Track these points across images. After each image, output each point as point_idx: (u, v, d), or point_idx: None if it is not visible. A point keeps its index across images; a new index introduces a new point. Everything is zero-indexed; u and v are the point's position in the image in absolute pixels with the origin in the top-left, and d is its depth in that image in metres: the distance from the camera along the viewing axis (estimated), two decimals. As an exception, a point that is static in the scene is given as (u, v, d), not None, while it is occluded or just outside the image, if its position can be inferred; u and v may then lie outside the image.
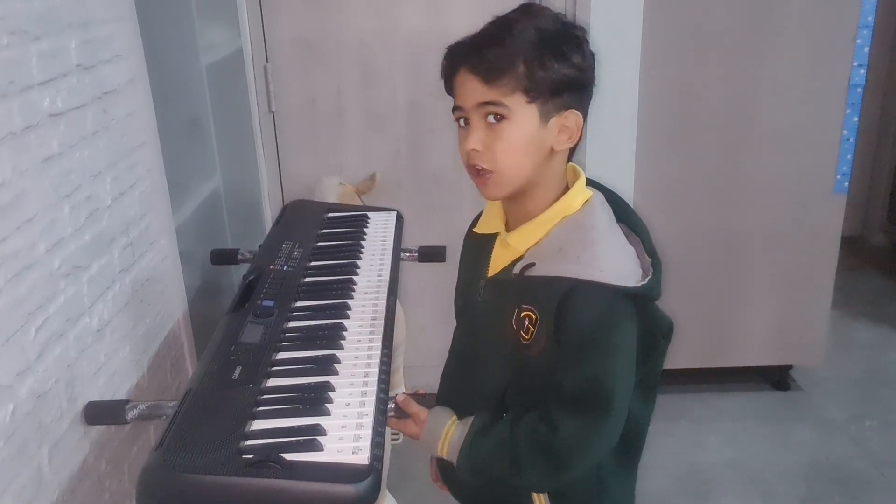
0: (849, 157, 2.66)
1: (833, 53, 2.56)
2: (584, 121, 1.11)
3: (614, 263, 1.06)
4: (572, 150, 1.15)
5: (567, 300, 1.06)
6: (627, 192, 2.70)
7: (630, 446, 1.22)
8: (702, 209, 2.75)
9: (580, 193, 1.13)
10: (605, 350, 1.07)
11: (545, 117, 1.06)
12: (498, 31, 1.05)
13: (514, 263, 1.15)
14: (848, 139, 2.64)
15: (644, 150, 2.67)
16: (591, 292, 1.04)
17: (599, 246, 1.07)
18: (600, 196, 1.16)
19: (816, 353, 2.94)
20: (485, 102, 1.05)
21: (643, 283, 1.06)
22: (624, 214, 1.17)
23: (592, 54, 1.09)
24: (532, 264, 1.09)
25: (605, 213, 1.12)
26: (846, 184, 2.70)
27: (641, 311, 1.09)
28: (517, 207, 1.15)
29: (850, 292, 3.52)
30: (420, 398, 1.26)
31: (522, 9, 1.08)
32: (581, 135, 1.11)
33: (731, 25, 2.54)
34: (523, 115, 1.05)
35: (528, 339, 1.10)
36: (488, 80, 1.04)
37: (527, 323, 1.10)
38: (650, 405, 1.24)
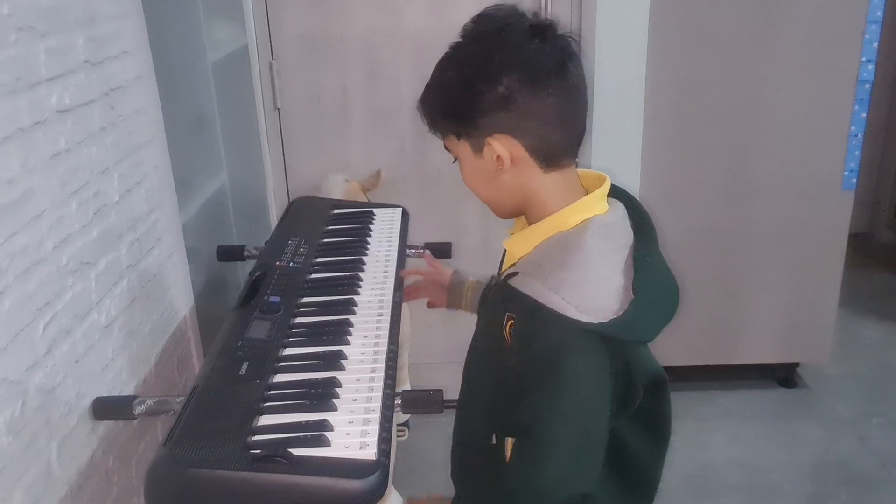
0: (857, 153, 2.65)
1: (841, 49, 2.55)
2: (542, 136, 1.03)
3: (582, 293, 0.97)
4: (557, 156, 1.05)
5: (528, 320, 1.01)
6: (633, 189, 2.70)
7: (633, 486, 1.15)
8: (708, 206, 2.74)
9: (582, 210, 1.05)
10: (550, 383, 0.98)
11: (477, 149, 1.05)
12: (428, 82, 1.07)
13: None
14: (856, 135, 2.63)
15: (650, 147, 2.66)
16: (550, 318, 0.97)
17: (574, 271, 0.99)
18: (615, 214, 1.07)
19: (823, 351, 2.93)
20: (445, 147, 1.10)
21: (603, 321, 0.96)
22: (643, 233, 1.08)
23: (513, 71, 1.00)
24: (516, 273, 1.05)
25: (601, 237, 1.02)
26: (854, 180, 2.69)
27: (617, 352, 1.00)
28: (527, 216, 1.13)
29: (858, 289, 3.50)
30: None
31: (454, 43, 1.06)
32: (538, 154, 1.03)
33: (738, 21, 2.53)
34: (463, 152, 1.06)
35: (509, 348, 1.06)
36: (433, 131, 1.08)
37: (509, 329, 1.06)
38: (659, 445, 1.15)
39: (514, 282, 1.03)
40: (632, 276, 0.99)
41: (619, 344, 0.99)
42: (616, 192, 1.12)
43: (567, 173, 1.07)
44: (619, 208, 1.09)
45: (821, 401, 2.94)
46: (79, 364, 1.25)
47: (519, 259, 1.08)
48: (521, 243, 1.09)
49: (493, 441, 1.08)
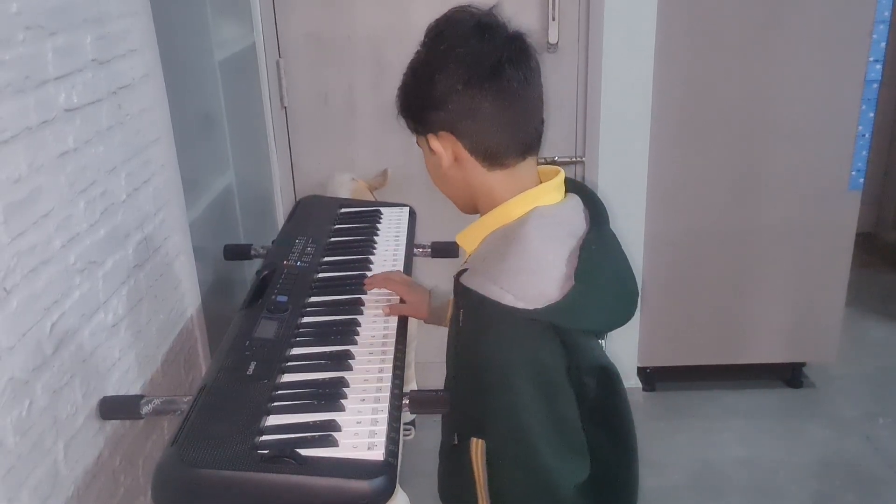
0: (864, 153, 2.64)
1: (849, 48, 2.54)
2: (482, 135, 1.03)
3: (519, 281, 0.97)
4: (499, 157, 1.05)
5: (474, 314, 1.01)
6: (640, 188, 2.70)
7: (612, 498, 1.12)
8: (715, 206, 2.73)
9: (524, 202, 1.05)
10: (503, 379, 0.98)
11: (427, 145, 1.08)
12: None
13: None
14: (863, 135, 2.62)
15: (657, 146, 2.66)
16: (492, 309, 0.98)
17: (513, 260, 0.99)
18: (563, 206, 1.07)
19: (830, 351, 2.92)
20: None
21: (539, 307, 0.96)
22: (597, 225, 1.07)
23: (447, 71, 1.01)
24: (465, 269, 1.05)
25: (543, 227, 1.02)
26: (861, 180, 2.68)
27: (567, 341, 0.99)
28: (480, 211, 1.13)
29: (865, 289, 3.49)
30: None
31: None
32: (477, 153, 1.04)
33: (746, 20, 2.52)
34: (423, 147, 1.11)
35: (462, 344, 1.07)
36: (402, 119, 1.13)
37: (462, 325, 1.06)
38: (624, 448, 1.11)
39: (462, 278, 1.04)
40: (576, 264, 0.98)
41: (564, 333, 0.99)
42: (575, 187, 1.12)
43: (515, 171, 1.06)
44: (572, 200, 1.09)
45: (827, 401, 2.93)
46: (86, 363, 1.25)
47: (469, 255, 1.09)
48: (469, 238, 1.11)
49: (455, 441, 1.07)
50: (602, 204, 1.11)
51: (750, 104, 2.62)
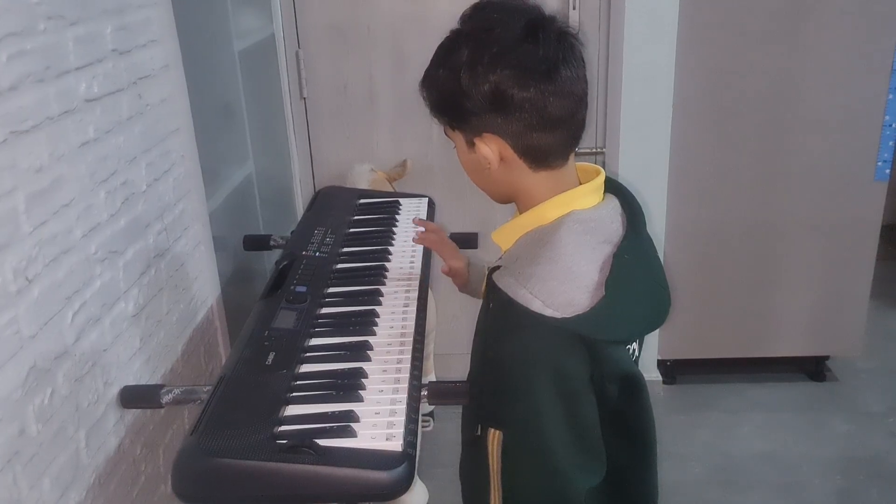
0: (891, 143, 2.60)
1: (876, 37, 2.50)
2: (531, 138, 1.00)
3: (548, 287, 0.96)
4: (547, 158, 1.02)
5: (502, 314, 1.00)
6: (662, 180, 2.67)
7: (614, 496, 1.10)
8: (738, 197, 2.70)
9: (561, 204, 1.03)
10: (526, 382, 0.97)
11: (469, 143, 1.04)
12: (427, 68, 1.06)
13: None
14: (890, 125, 2.58)
15: (679, 137, 2.63)
16: (520, 314, 0.96)
17: (545, 266, 0.97)
18: (600, 210, 1.04)
19: (854, 344, 2.89)
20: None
21: (568, 316, 0.94)
22: (633, 230, 1.05)
23: (501, 74, 0.96)
24: (498, 267, 1.04)
25: (578, 233, 1.00)
26: (887, 171, 2.64)
27: (593, 349, 0.97)
28: (517, 207, 1.11)
29: (890, 282, 3.44)
30: None
31: (450, 35, 1.03)
32: (527, 155, 1.01)
33: (770, 7, 2.49)
34: (458, 140, 1.06)
35: (490, 339, 1.05)
36: (432, 113, 1.07)
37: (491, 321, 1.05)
38: (644, 454, 1.10)
39: (494, 276, 1.03)
40: (608, 274, 0.97)
41: (590, 342, 0.96)
42: (614, 187, 1.10)
43: (559, 171, 1.04)
44: (611, 203, 1.07)
45: (850, 394, 2.90)
46: (107, 353, 1.26)
47: (504, 252, 1.08)
48: (505, 236, 1.09)
49: (478, 432, 1.06)
50: (640, 207, 1.09)
51: (774, 93, 2.58)
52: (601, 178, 1.07)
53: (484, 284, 1.44)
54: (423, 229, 1.56)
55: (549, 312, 0.95)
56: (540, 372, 0.97)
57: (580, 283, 0.97)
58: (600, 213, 1.04)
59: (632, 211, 1.07)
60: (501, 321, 1.01)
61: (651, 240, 1.09)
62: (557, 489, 1.00)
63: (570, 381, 0.98)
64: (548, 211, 1.03)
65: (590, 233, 1.01)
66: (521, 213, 1.07)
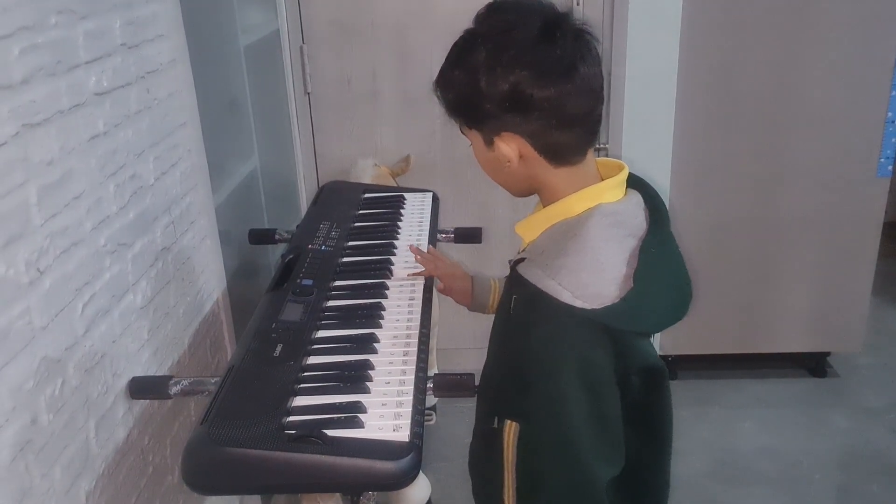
0: (893, 140, 2.60)
1: (878, 33, 2.50)
2: (545, 137, 1.00)
3: (579, 279, 0.97)
4: (567, 155, 1.03)
5: (528, 306, 1.01)
6: (664, 176, 2.68)
7: (642, 493, 1.12)
8: (740, 193, 2.71)
9: (588, 197, 1.03)
10: (553, 373, 0.98)
11: (487, 142, 1.04)
12: (442, 66, 1.05)
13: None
14: (893, 121, 2.58)
15: (682, 133, 2.64)
16: (548, 304, 0.97)
17: (573, 257, 0.98)
18: (626, 203, 1.05)
19: (855, 340, 2.89)
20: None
21: (597, 307, 0.96)
22: (657, 224, 1.06)
23: (520, 75, 0.96)
24: (523, 259, 1.05)
25: (605, 226, 1.01)
26: (890, 167, 2.64)
27: (619, 341, 0.99)
28: (540, 200, 1.11)
29: (892, 278, 3.45)
30: None
31: (465, 34, 1.03)
32: (546, 153, 1.02)
33: (772, 5, 2.49)
34: (475, 138, 1.06)
35: (513, 331, 1.05)
36: (448, 112, 1.07)
37: (514, 312, 1.05)
38: (661, 445, 1.12)
39: (520, 268, 1.03)
40: (636, 266, 0.98)
41: (616, 333, 0.98)
42: (635, 182, 1.10)
43: (579, 167, 1.05)
44: (634, 197, 1.07)
45: (852, 390, 2.91)
46: (116, 344, 1.27)
47: (528, 244, 1.08)
48: (530, 228, 1.09)
49: (495, 424, 1.06)
50: (663, 203, 1.10)
51: (776, 90, 2.59)
52: (625, 174, 1.08)
53: (491, 292, 1.43)
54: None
55: (578, 304, 0.96)
56: (567, 363, 0.97)
57: (609, 275, 0.98)
58: (626, 207, 1.05)
59: (654, 206, 1.08)
60: (528, 313, 1.01)
61: (673, 236, 1.10)
62: (580, 481, 1.01)
63: (597, 373, 0.99)
64: (575, 203, 1.04)
65: (617, 226, 1.02)
66: (543, 205, 1.08)
